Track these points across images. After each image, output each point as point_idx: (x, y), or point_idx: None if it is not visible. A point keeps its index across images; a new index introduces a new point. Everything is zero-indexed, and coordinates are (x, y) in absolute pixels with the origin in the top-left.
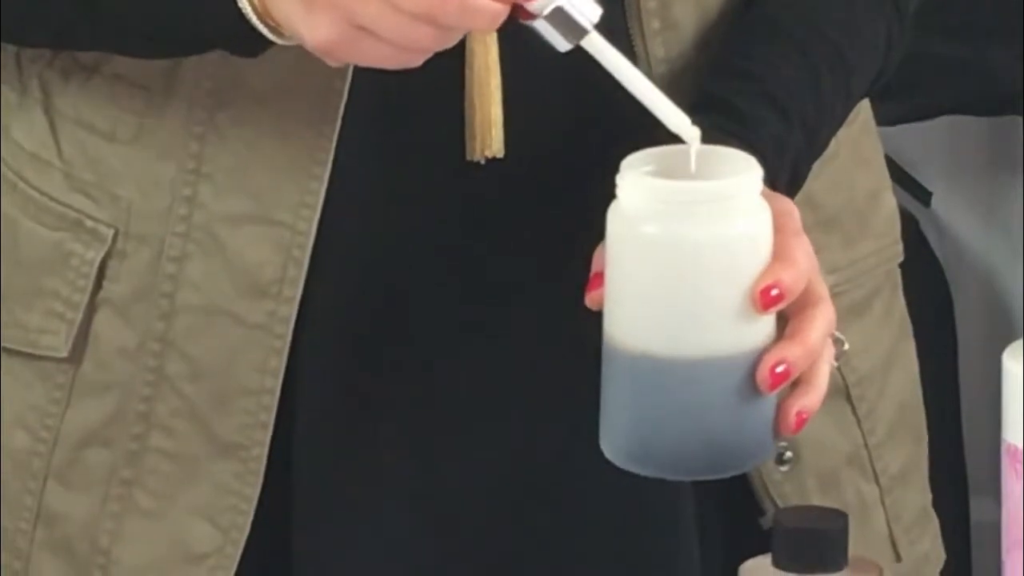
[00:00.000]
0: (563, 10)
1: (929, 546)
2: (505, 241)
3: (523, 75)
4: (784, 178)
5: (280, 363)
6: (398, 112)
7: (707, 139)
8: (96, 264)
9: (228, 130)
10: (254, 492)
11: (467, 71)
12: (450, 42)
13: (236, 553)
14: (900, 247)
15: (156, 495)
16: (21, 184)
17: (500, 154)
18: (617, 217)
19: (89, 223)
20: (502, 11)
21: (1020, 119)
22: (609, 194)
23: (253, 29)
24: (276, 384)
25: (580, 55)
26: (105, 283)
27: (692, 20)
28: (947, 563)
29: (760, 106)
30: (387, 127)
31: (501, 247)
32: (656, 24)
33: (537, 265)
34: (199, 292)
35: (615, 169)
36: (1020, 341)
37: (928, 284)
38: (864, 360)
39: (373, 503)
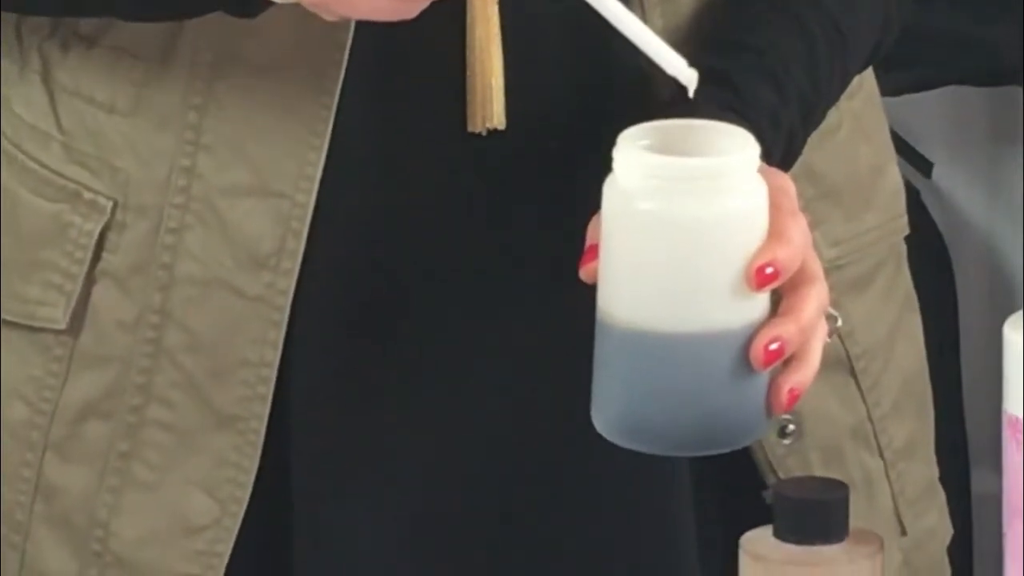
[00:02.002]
0: None
1: (935, 520)
2: (506, 212)
3: (525, 46)
4: (778, 153)
5: (279, 335)
6: (397, 83)
7: (703, 112)
8: (95, 236)
9: (227, 101)
10: (252, 465)
11: (468, 42)
12: None
13: (235, 525)
14: (905, 220)
15: (154, 468)
16: (20, 156)
17: (501, 126)
18: (612, 192)
19: (88, 195)
20: None
21: (1021, 90)
22: (611, 166)
23: None
24: (275, 356)
25: (580, 23)
26: (104, 255)
27: None
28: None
29: (756, 80)
30: (386, 98)
31: (502, 218)
32: None
33: (539, 237)
34: (198, 263)
35: (610, 144)
36: (1021, 312)
37: (929, 255)
38: (867, 333)
39: (372, 476)
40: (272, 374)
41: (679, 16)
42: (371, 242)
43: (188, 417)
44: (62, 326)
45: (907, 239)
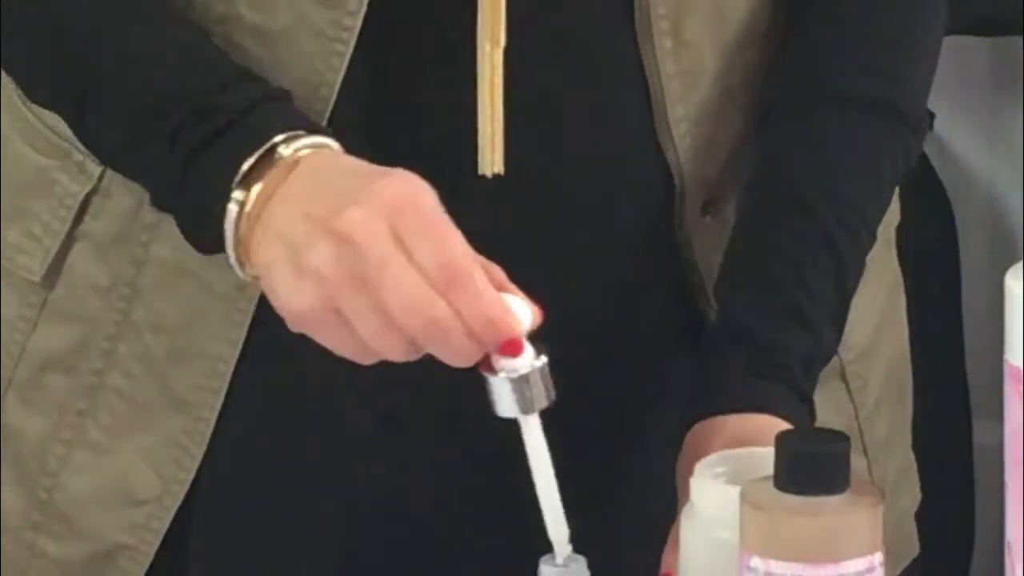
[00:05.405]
0: (525, 381)
1: (909, 500)
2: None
3: (525, 92)
4: (812, 386)
5: (240, 335)
6: (386, 123)
7: (732, 376)
8: (80, 198)
9: None
10: (200, 450)
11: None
12: (412, 357)
13: (173, 505)
14: (896, 208)
15: (107, 432)
16: (19, 105)
17: (500, 171)
18: (690, 521)
19: (77, 156)
20: (477, 354)
21: (1022, 40)
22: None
23: (219, 238)
24: (233, 354)
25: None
26: (86, 218)
27: (707, 39)
28: (951, 486)
29: (786, 328)
30: (373, 135)
31: (507, 208)
32: (668, 44)
33: (546, 215)
34: (171, 249)
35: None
36: (1022, 262)
37: (930, 206)
38: (859, 333)
39: (319, 479)
40: (228, 370)
41: (694, 59)
42: None
43: (145, 392)
44: (37, 278)
45: (909, 191)
